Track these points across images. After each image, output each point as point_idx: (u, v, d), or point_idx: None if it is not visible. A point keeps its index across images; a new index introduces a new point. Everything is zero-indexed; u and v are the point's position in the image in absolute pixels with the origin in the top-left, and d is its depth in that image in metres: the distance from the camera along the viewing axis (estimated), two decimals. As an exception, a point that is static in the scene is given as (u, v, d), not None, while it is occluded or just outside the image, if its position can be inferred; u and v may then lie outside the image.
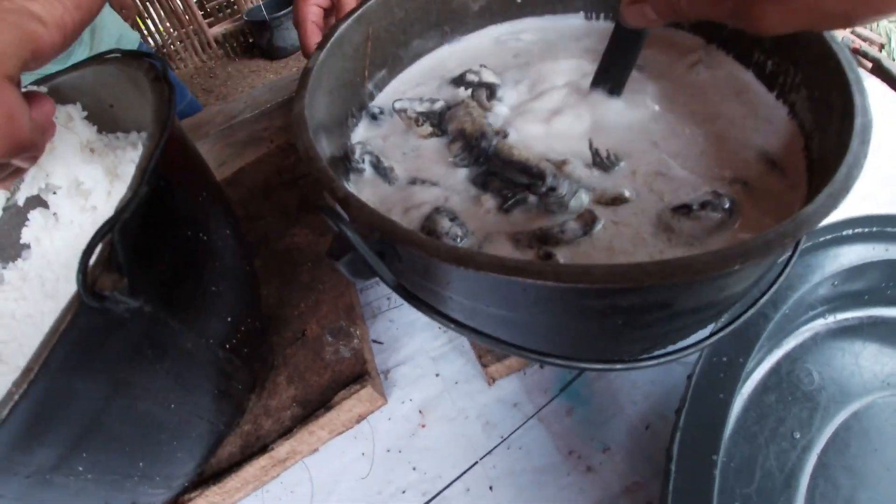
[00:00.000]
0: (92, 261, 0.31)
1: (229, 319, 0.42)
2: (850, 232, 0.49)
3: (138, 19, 2.63)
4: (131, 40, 1.07)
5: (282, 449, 0.47)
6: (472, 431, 0.48)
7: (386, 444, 0.49)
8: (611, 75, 0.44)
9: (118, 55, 0.47)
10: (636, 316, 0.33)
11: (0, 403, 0.30)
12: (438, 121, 0.44)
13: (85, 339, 0.32)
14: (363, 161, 0.43)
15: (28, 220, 0.51)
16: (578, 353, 0.34)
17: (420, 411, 0.50)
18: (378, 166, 0.43)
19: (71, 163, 0.46)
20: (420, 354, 0.53)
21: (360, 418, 0.49)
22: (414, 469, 0.48)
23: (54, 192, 0.52)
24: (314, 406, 0.47)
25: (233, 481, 0.47)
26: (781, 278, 0.39)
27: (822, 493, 0.44)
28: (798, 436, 0.46)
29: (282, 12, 3.02)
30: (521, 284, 0.29)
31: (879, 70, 0.70)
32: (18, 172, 0.38)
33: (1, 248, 0.55)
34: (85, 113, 0.49)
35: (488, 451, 0.47)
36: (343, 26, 0.45)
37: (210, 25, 3.29)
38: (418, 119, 0.44)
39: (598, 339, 0.36)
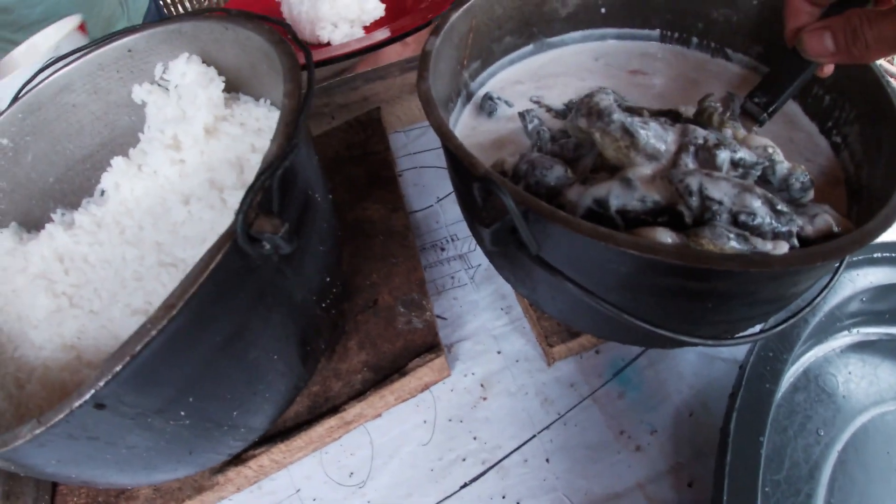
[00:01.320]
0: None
1: (328, 279, 0.44)
2: (880, 255, 0.55)
3: None
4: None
5: (352, 411, 0.48)
6: (531, 406, 0.51)
7: (448, 413, 0.51)
8: (769, 93, 0.44)
9: (225, 13, 0.49)
10: (724, 300, 0.37)
11: (134, 337, 0.30)
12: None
13: (225, 281, 0.33)
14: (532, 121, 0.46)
15: (110, 165, 0.51)
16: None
17: (482, 385, 0.52)
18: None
19: (193, 116, 0.47)
20: (482, 332, 0.55)
21: (426, 387, 0.51)
22: (474, 438, 0.50)
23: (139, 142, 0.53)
24: (386, 372, 0.49)
25: (300, 440, 0.48)
26: (833, 282, 0.44)
27: (840, 486, 0.49)
28: (822, 433, 0.51)
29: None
30: (651, 261, 0.32)
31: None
32: None
33: (65, 193, 0.55)
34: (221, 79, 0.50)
35: (546, 426, 0.50)
36: (454, 16, 0.47)
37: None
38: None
39: (688, 319, 0.39)
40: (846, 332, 0.55)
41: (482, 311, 0.56)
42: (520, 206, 0.33)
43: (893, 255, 0.54)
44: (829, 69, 0.43)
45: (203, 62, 0.51)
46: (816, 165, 0.47)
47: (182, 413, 0.37)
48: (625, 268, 0.35)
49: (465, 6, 0.48)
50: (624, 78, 0.52)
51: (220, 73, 0.51)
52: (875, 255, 0.54)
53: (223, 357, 0.37)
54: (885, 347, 0.55)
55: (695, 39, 0.55)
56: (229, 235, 0.32)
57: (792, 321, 0.42)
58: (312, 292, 0.42)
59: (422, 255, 0.59)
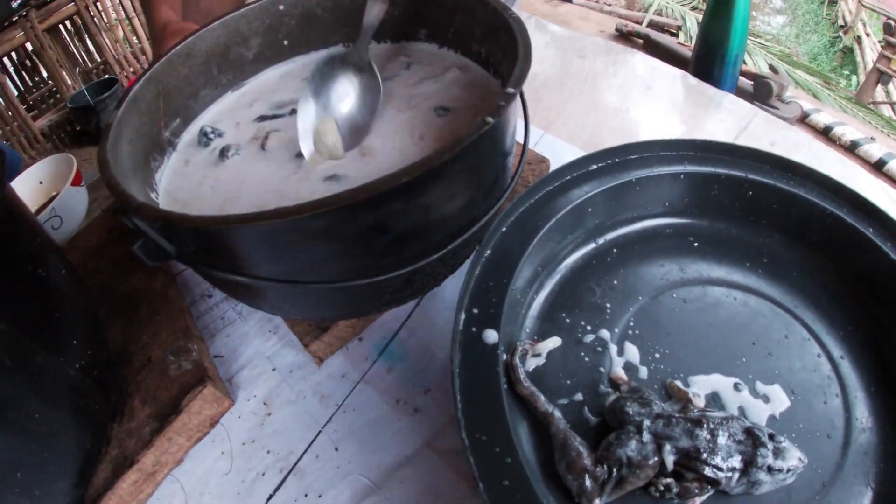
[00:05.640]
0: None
1: (74, 342, 0.68)
2: (594, 166, 0.78)
3: None
4: None
5: (146, 460, 0.70)
6: (311, 407, 0.73)
7: (241, 438, 0.73)
8: None
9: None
10: (364, 241, 0.57)
11: None
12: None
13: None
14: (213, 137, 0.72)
15: None
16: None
17: (264, 403, 0.74)
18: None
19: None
20: (257, 357, 0.77)
21: (213, 422, 0.74)
22: (268, 452, 0.71)
23: None
24: (167, 416, 0.73)
25: (110, 502, 0.71)
26: (497, 205, 0.68)
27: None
28: (592, 336, 0.71)
29: (105, 94, 3.48)
30: (259, 228, 0.56)
31: (649, 44, 1.03)
32: None
33: None
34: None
35: (328, 420, 0.72)
36: (136, 87, 0.72)
37: (35, 119, 3.72)
38: None
39: (355, 268, 0.62)
40: (592, 243, 0.77)
41: (253, 339, 0.79)
42: (157, 221, 0.58)
43: (608, 161, 0.77)
44: None
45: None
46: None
47: (-41, 476, 0.59)
48: (256, 241, 0.58)
49: (145, 76, 0.74)
50: (297, 85, 0.79)
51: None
52: (591, 168, 0.78)
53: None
54: (633, 246, 0.76)
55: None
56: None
57: (447, 248, 0.65)
58: (58, 355, 0.66)
59: (193, 307, 0.83)
